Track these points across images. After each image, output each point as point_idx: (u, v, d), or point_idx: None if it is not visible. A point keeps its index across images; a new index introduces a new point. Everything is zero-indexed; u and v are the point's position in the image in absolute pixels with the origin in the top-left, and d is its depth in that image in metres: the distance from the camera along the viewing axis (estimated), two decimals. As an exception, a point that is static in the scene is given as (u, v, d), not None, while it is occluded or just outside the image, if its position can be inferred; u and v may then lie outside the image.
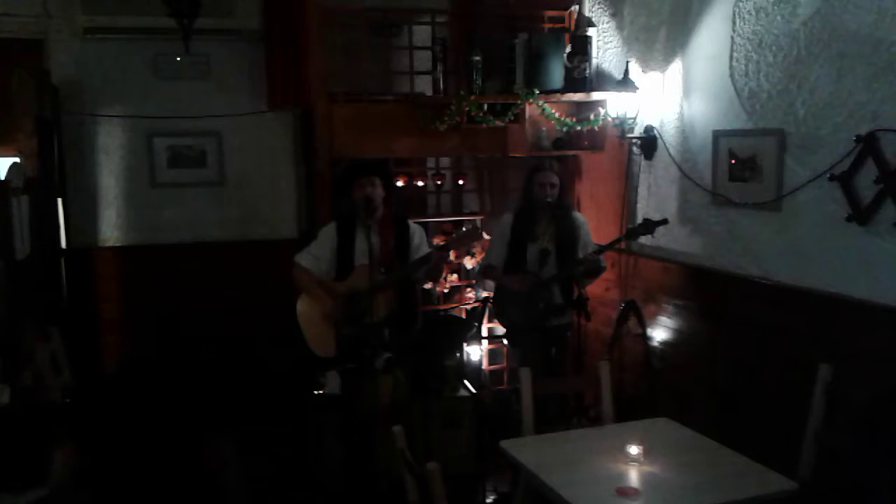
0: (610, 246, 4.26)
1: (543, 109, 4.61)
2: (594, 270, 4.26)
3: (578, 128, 4.74)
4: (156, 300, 5.07)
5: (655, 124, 4.44)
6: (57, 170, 4.86)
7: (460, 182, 5.61)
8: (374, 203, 3.87)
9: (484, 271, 4.58)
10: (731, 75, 3.83)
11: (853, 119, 3.17)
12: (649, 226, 4.10)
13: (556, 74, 4.73)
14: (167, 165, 5.19)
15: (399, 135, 4.77)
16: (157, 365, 4.94)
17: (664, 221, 4.12)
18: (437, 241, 4.99)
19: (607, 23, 4.84)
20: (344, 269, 3.93)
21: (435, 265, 3.95)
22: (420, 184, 5.50)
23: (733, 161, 3.83)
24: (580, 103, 4.86)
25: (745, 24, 3.73)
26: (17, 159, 4.60)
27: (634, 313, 4.62)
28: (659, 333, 4.45)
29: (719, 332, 3.99)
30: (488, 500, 4.24)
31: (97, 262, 5.11)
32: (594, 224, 4.57)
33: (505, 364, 5.44)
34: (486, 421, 4.53)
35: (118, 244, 5.16)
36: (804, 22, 3.39)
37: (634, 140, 4.57)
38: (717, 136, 3.94)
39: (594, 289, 4.63)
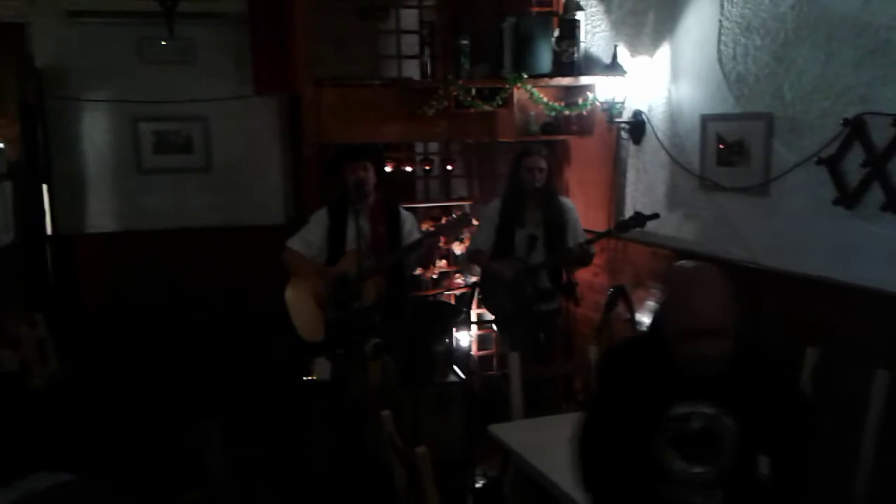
0: (599, 237, 4.26)
1: (532, 94, 4.60)
2: (583, 259, 4.26)
3: (567, 112, 4.74)
4: (142, 286, 5.04)
5: (644, 109, 4.43)
6: (41, 155, 4.81)
7: (449, 167, 5.59)
8: (367, 188, 3.85)
9: (471, 256, 4.57)
10: (720, 59, 3.82)
11: (841, 103, 3.17)
12: (640, 219, 4.08)
13: (545, 59, 4.71)
14: (153, 151, 5.14)
15: (387, 120, 4.74)
16: (143, 351, 4.91)
17: (655, 216, 4.09)
18: (426, 226, 4.98)
19: (595, 6, 4.83)
20: (335, 254, 3.92)
21: (427, 251, 3.95)
22: (408, 169, 5.48)
23: (721, 145, 3.83)
24: (568, 88, 4.84)
25: (733, 7, 3.72)
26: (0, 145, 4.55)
27: (623, 298, 4.62)
28: (648, 318, 4.46)
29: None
30: (477, 485, 4.25)
31: (83, 249, 5.07)
32: (582, 209, 4.57)
33: (494, 349, 5.44)
34: (475, 406, 4.53)
35: (104, 230, 5.12)
36: (792, 5, 3.39)
37: (623, 125, 4.57)
38: (705, 120, 3.93)
39: (583, 274, 4.63)
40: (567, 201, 4.47)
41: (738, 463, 2.05)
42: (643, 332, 2.39)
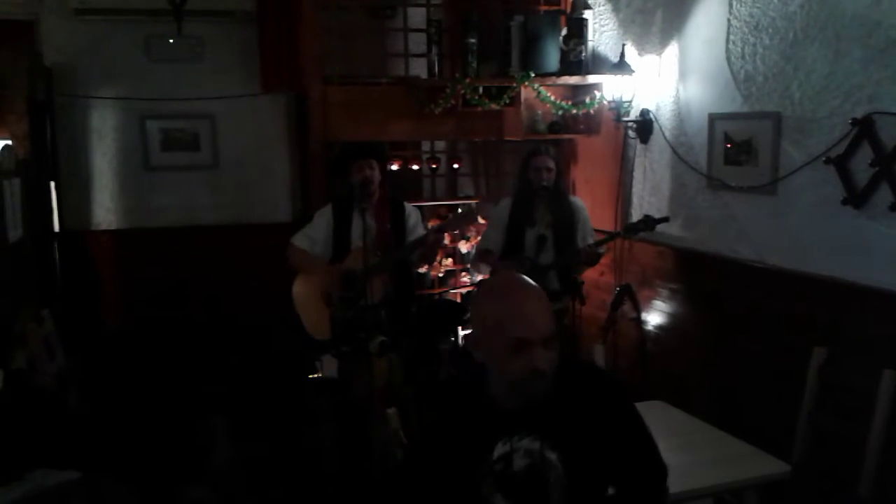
0: (608, 239, 4.25)
1: (539, 93, 4.59)
2: (591, 260, 4.25)
3: (574, 111, 4.74)
4: (150, 284, 5.05)
5: (651, 108, 4.42)
6: (49, 152, 4.83)
7: (455, 166, 5.59)
8: (372, 186, 3.86)
9: (480, 256, 4.57)
10: (728, 58, 3.81)
11: (849, 102, 3.16)
12: (650, 222, 4.06)
13: (552, 57, 4.71)
14: (160, 149, 5.15)
15: (394, 118, 4.75)
16: (151, 348, 4.92)
17: (665, 219, 4.07)
18: (433, 224, 4.98)
19: (603, 5, 4.82)
20: (340, 251, 3.92)
21: (430, 247, 3.94)
22: (415, 167, 5.48)
23: (729, 145, 3.82)
24: (576, 87, 4.84)
25: (741, 6, 3.71)
26: (8, 141, 4.57)
27: (629, 297, 4.62)
28: (654, 317, 4.46)
29: (714, 316, 4.00)
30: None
31: (91, 246, 5.09)
32: (589, 208, 4.55)
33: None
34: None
35: (112, 227, 5.13)
36: (801, 4, 3.38)
37: (630, 124, 4.56)
38: (713, 119, 3.92)
39: (589, 273, 4.63)
40: (577, 200, 4.46)
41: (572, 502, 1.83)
42: (460, 371, 2.11)
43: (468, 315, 4.88)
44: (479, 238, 4.76)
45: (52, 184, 4.86)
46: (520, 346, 1.77)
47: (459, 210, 4.99)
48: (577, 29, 4.73)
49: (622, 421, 1.92)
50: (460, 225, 4.08)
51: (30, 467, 2.77)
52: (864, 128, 3.08)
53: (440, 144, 5.59)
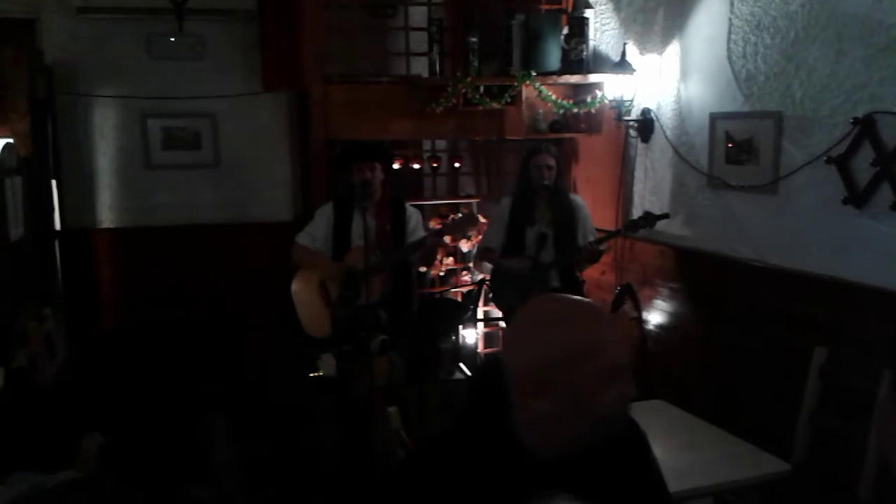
0: (609, 237, 4.25)
1: (540, 92, 4.59)
2: (592, 258, 4.26)
3: (575, 110, 4.73)
4: (151, 282, 5.05)
5: (652, 107, 4.42)
6: (50, 150, 4.83)
7: (456, 165, 5.58)
8: (372, 188, 3.87)
9: (481, 254, 4.57)
10: (729, 57, 3.81)
11: (851, 101, 3.15)
12: (650, 219, 4.07)
13: (553, 56, 4.70)
14: (161, 147, 5.15)
15: (395, 117, 4.75)
16: (151, 347, 4.92)
17: (665, 216, 4.09)
18: (434, 224, 4.98)
19: (605, 4, 4.81)
20: (340, 249, 3.92)
21: (429, 250, 3.95)
22: (416, 166, 5.48)
23: (730, 144, 3.82)
24: (577, 86, 4.83)
25: (743, 5, 3.71)
26: (9, 140, 4.57)
27: (630, 297, 4.62)
28: (654, 317, 4.45)
29: (715, 316, 4.00)
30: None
31: (92, 244, 5.09)
32: (590, 207, 4.55)
33: (500, 347, 5.43)
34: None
35: (113, 226, 5.14)
36: (802, 3, 3.37)
37: (631, 123, 4.55)
38: (714, 118, 3.92)
39: (590, 272, 4.63)
40: (577, 199, 4.46)
41: None
42: (461, 418, 1.65)
43: (468, 315, 4.89)
44: (479, 237, 4.76)
45: (54, 182, 4.87)
46: (616, 374, 1.50)
47: (461, 212, 4.99)
48: (579, 28, 4.72)
49: (649, 483, 1.70)
50: (461, 229, 4.08)
51: (24, 467, 2.76)
52: (866, 127, 3.07)
53: (441, 143, 5.59)
